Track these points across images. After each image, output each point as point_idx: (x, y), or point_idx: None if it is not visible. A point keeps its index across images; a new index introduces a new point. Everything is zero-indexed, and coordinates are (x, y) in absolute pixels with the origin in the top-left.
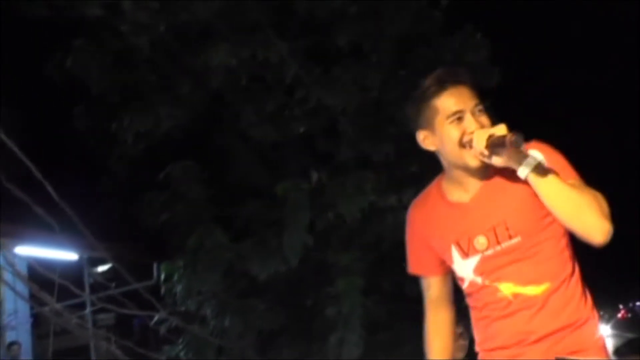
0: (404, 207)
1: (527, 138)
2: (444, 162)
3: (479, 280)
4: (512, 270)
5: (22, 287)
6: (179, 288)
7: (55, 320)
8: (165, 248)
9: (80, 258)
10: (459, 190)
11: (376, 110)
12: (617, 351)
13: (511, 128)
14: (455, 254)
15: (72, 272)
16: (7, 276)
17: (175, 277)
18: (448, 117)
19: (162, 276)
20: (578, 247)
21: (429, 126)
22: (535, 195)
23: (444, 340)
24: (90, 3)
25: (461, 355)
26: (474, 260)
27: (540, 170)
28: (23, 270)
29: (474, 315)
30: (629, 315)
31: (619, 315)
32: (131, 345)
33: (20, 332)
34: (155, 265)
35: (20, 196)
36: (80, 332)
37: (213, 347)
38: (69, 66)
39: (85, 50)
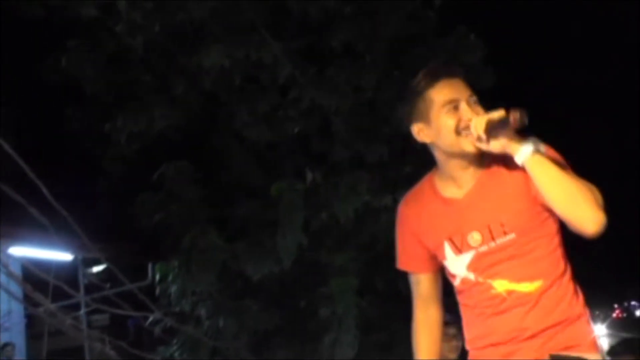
0: None
1: (526, 137)
2: (439, 156)
3: (472, 276)
4: (506, 267)
5: (16, 288)
6: (173, 288)
7: (49, 321)
8: (160, 248)
9: (75, 259)
10: (452, 186)
11: (370, 110)
12: (612, 351)
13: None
14: (448, 250)
15: (67, 273)
16: (1, 277)
17: (170, 278)
18: (444, 105)
19: (157, 277)
20: (575, 247)
21: (424, 118)
22: (529, 192)
23: (432, 339)
24: (85, 3)
25: (454, 356)
26: (467, 256)
27: (539, 155)
28: (17, 270)
29: (465, 312)
30: (624, 315)
31: (614, 315)
32: (125, 346)
33: (14, 333)
34: (149, 266)
35: (15, 197)
36: (74, 333)
37: (207, 348)
38: (64, 66)
39: (80, 51)
